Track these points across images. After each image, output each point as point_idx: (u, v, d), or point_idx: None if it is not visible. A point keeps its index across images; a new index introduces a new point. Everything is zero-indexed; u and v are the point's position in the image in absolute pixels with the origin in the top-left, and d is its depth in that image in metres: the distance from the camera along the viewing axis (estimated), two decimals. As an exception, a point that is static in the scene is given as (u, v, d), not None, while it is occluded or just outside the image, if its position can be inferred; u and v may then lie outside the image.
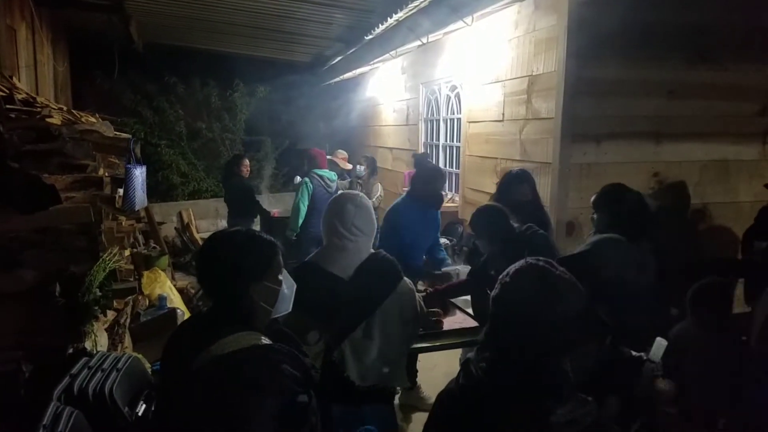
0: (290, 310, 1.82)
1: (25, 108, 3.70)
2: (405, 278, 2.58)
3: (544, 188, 4.40)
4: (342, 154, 6.99)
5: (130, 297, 3.96)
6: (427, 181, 4.16)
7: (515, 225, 3.34)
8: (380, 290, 2.49)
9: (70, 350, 2.82)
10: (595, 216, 3.38)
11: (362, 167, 7.12)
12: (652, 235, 3.15)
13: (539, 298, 1.45)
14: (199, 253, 1.79)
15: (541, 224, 3.58)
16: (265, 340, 1.62)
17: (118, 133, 4.80)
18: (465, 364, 1.54)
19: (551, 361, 1.43)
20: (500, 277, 1.56)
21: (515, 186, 3.95)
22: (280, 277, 1.76)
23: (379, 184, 7.18)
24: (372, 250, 2.58)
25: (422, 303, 2.71)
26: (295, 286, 1.83)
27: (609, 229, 3.13)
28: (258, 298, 1.69)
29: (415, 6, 4.60)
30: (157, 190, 9.38)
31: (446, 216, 5.95)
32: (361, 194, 2.64)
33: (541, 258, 1.55)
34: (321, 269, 2.47)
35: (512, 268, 1.55)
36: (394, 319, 2.50)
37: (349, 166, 6.97)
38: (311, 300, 2.14)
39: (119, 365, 2.66)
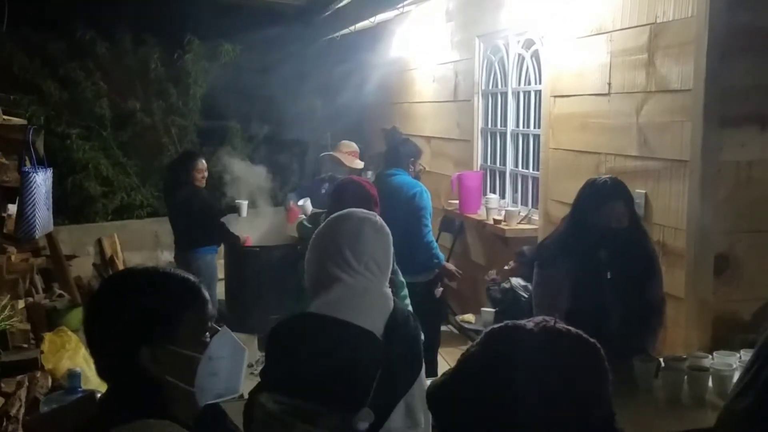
0: (238, 392, 1.85)
1: None
2: None
3: (677, 201, 4.40)
4: (349, 147, 7.01)
5: (25, 375, 3.97)
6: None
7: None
8: (417, 359, 2.70)
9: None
10: None
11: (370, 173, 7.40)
12: None
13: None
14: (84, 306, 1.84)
15: (649, 271, 3.84)
16: None
17: (8, 117, 4.87)
18: None
19: None
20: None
21: (602, 205, 3.86)
22: (207, 339, 1.75)
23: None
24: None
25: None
26: (245, 352, 1.84)
27: None
28: (161, 369, 1.68)
29: None
30: (65, 206, 9.47)
31: (522, 241, 6.11)
32: (379, 217, 2.87)
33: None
34: (343, 323, 2.50)
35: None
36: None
37: (360, 165, 7.02)
38: (322, 370, 2.32)
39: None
